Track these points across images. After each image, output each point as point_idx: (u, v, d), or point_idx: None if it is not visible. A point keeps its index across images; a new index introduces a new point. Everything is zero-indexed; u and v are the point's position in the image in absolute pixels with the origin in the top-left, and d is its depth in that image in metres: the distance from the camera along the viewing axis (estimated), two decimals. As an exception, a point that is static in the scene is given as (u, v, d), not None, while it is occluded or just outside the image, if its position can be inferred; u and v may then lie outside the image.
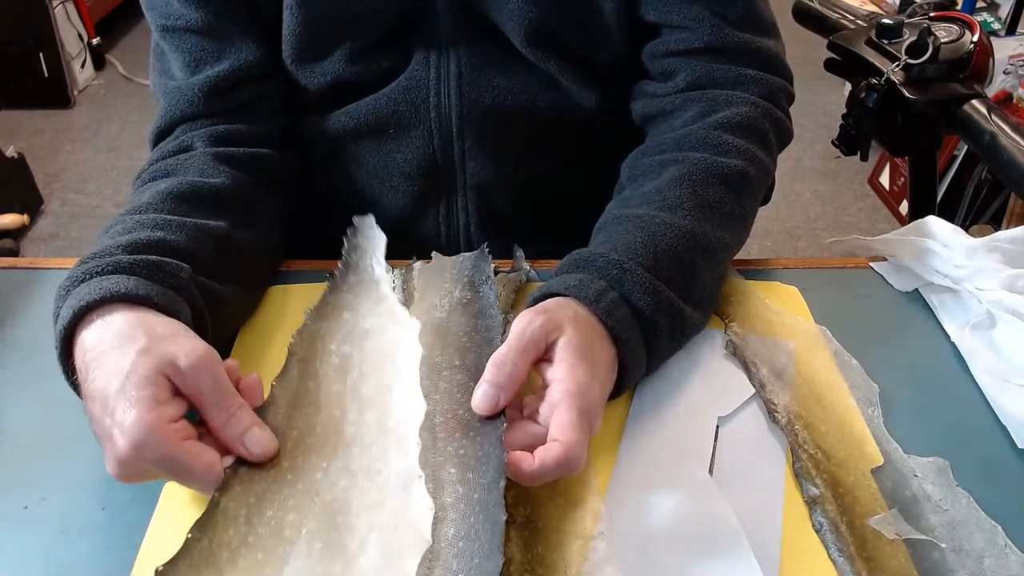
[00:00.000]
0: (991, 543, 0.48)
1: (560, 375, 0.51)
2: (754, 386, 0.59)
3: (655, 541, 0.49)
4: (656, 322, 0.56)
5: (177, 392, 0.47)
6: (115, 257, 0.53)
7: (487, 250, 0.69)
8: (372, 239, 0.67)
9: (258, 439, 0.48)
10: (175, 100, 0.71)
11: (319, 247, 0.73)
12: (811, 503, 0.51)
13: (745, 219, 0.67)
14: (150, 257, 0.54)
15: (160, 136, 0.72)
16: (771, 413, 0.57)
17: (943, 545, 0.48)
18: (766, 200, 0.76)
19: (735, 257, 0.69)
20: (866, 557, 0.48)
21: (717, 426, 0.57)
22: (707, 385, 0.60)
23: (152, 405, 0.45)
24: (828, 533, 0.49)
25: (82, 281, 0.52)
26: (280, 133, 0.75)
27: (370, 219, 0.69)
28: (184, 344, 0.48)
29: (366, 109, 0.74)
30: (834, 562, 0.48)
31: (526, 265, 0.71)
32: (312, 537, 0.45)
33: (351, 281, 0.62)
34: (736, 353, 0.62)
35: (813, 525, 0.50)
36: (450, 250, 0.80)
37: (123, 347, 0.48)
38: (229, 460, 0.48)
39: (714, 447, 0.55)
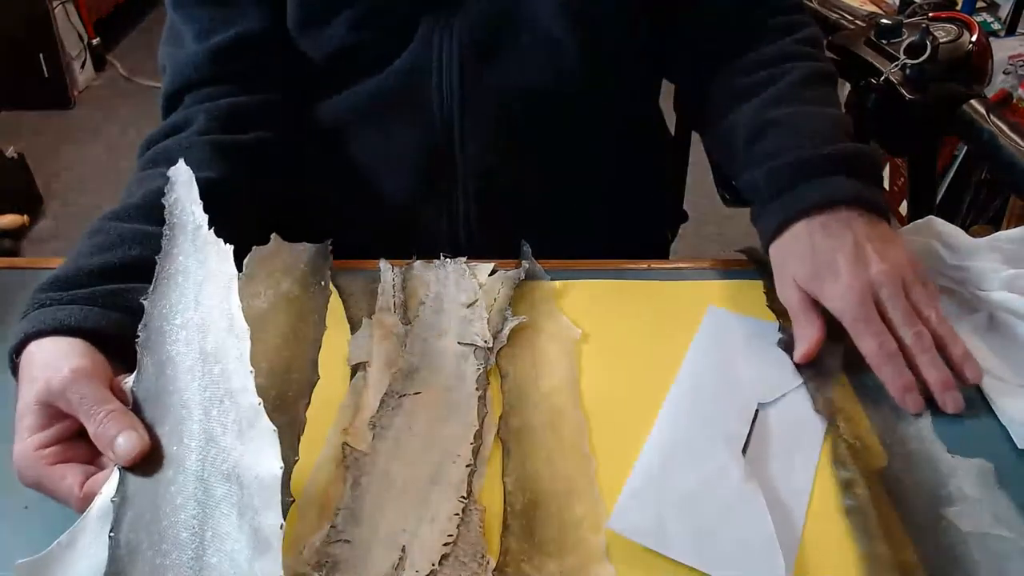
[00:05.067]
0: (1017, 546, 0.48)
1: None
2: (802, 377, 0.60)
3: (678, 512, 0.50)
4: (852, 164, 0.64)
5: (64, 415, 0.49)
6: (73, 292, 0.55)
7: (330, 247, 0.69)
8: (189, 186, 0.56)
9: (121, 444, 0.46)
10: (181, 66, 0.73)
11: (320, 238, 0.73)
12: (845, 485, 0.52)
13: None
14: (109, 287, 0.56)
15: (169, 103, 0.74)
16: (815, 402, 0.58)
17: (969, 543, 0.48)
18: None
19: (741, 258, 0.71)
20: (890, 542, 0.48)
21: (756, 410, 0.57)
22: (752, 372, 0.61)
23: (24, 435, 0.48)
24: (856, 515, 0.50)
25: (41, 306, 0.54)
26: (284, 107, 0.76)
27: (181, 164, 0.57)
28: (56, 366, 0.49)
29: (369, 90, 0.75)
30: (858, 543, 0.49)
31: (525, 263, 0.71)
32: (203, 523, 0.43)
33: (180, 241, 0.54)
34: (787, 349, 0.63)
35: (843, 506, 0.51)
36: (451, 237, 0.80)
37: (26, 376, 0.50)
38: (112, 487, 0.46)
39: (751, 429, 0.56)
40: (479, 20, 0.72)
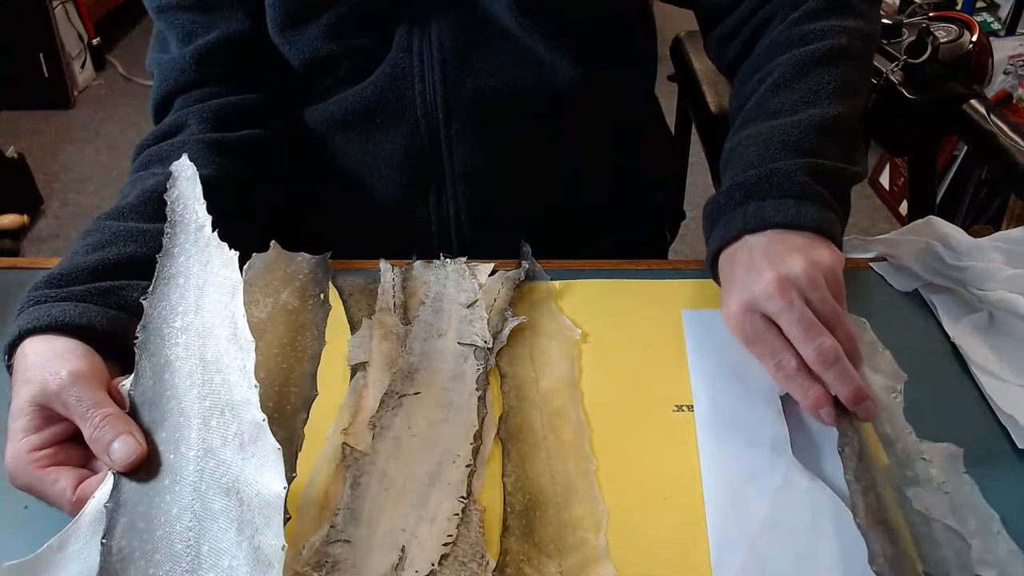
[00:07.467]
0: (984, 528, 0.49)
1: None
2: None
3: (769, 541, 0.49)
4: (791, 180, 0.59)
5: (59, 417, 0.49)
6: (68, 289, 0.55)
7: (328, 257, 0.67)
8: (192, 183, 0.56)
9: (117, 449, 0.45)
10: (168, 71, 0.73)
11: (312, 242, 0.73)
12: (841, 434, 0.53)
13: (857, 86, 0.67)
14: (103, 284, 0.56)
15: (159, 109, 0.74)
16: None
17: (934, 523, 0.49)
18: None
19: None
20: (874, 497, 0.49)
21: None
22: (756, 362, 0.59)
23: (18, 436, 0.48)
24: (848, 459, 0.51)
25: (36, 303, 0.54)
26: (274, 106, 0.76)
27: (184, 160, 0.58)
28: (53, 368, 0.49)
29: (353, 98, 0.75)
30: (848, 484, 0.49)
31: (525, 264, 0.71)
32: (199, 536, 0.42)
33: (181, 240, 0.53)
34: None
35: (838, 448, 0.52)
36: (442, 240, 0.80)
37: (19, 377, 0.50)
38: (105, 491, 0.45)
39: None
40: (455, 23, 0.72)
